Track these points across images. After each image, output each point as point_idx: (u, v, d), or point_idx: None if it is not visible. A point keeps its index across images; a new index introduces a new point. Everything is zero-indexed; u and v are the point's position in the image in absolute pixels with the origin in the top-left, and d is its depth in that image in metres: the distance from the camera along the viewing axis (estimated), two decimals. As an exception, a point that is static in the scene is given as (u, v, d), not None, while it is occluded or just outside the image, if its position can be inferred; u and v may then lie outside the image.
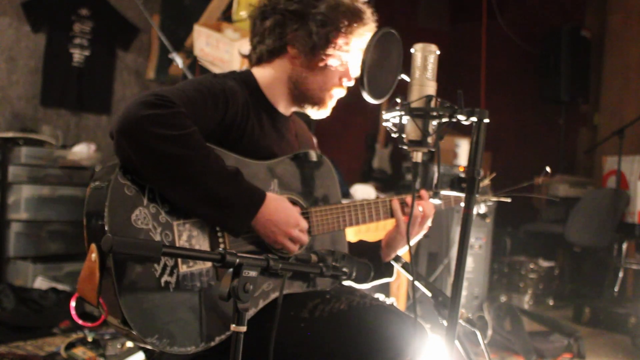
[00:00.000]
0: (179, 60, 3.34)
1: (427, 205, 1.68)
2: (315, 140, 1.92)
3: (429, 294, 1.64)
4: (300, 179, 1.60)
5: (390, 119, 1.32)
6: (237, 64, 3.30)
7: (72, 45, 4.47)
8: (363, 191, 3.99)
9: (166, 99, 1.33)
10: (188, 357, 1.44)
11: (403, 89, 1.33)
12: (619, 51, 5.58)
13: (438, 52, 1.30)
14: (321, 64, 1.58)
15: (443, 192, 1.63)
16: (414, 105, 1.28)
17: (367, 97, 1.34)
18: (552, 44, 5.77)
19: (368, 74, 1.31)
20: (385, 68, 1.36)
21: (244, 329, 1.13)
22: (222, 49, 3.37)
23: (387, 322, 1.38)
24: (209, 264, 1.38)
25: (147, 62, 4.94)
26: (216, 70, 3.40)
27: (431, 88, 1.29)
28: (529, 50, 6.12)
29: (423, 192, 1.71)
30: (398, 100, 1.31)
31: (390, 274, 1.73)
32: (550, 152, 5.93)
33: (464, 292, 3.91)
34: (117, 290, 1.24)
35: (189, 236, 1.38)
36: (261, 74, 1.65)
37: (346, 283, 1.67)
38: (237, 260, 1.12)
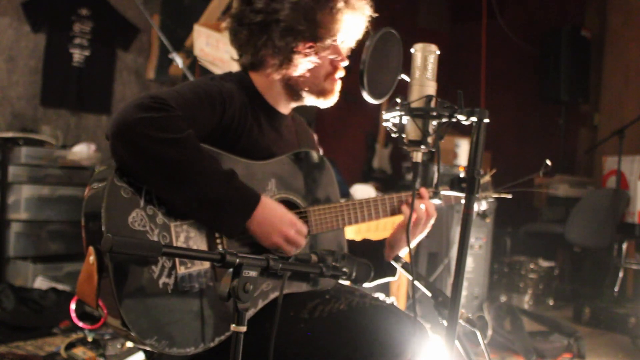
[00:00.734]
0: (179, 60, 3.34)
1: (430, 204, 1.67)
2: (316, 138, 1.91)
3: (429, 294, 1.64)
4: (298, 179, 1.60)
5: (390, 119, 1.32)
6: (236, 64, 3.30)
7: (72, 45, 4.47)
8: (363, 191, 3.99)
9: (162, 101, 1.33)
10: (187, 358, 1.44)
11: (403, 89, 1.33)
12: (619, 51, 5.58)
13: (438, 52, 1.30)
14: (303, 64, 1.56)
15: (443, 192, 1.63)
16: (414, 105, 1.28)
17: (367, 97, 1.34)
18: (552, 44, 5.77)
19: (368, 74, 1.31)
20: (385, 68, 1.36)
21: (244, 329, 1.13)
22: (222, 49, 3.37)
23: (387, 322, 1.38)
24: (207, 265, 1.38)
25: (147, 62, 4.94)
26: (216, 70, 3.40)
27: (431, 88, 1.29)
28: (529, 50, 6.12)
29: (423, 191, 1.70)
30: (398, 100, 1.30)
31: (393, 273, 1.73)
32: (550, 152, 5.92)
33: (464, 292, 3.91)
34: (116, 292, 1.24)
35: (187, 237, 1.38)
36: (255, 77, 1.64)
37: (346, 283, 1.67)
38: (237, 260, 1.12)
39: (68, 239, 3.85)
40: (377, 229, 3.00)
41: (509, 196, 1.85)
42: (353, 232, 2.79)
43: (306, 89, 1.61)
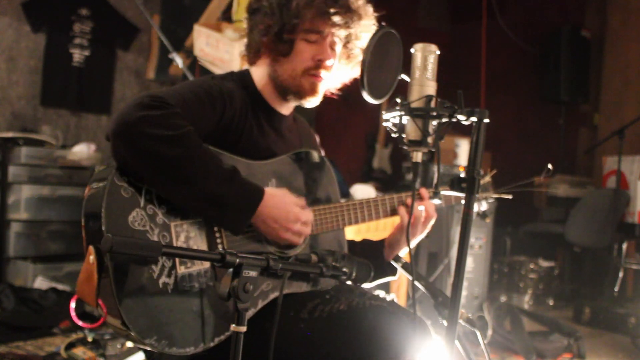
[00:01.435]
0: (179, 60, 3.34)
1: (430, 205, 1.67)
2: (318, 138, 1.91)
3: (429, 294, 1.64)
4: (298, 178, 1.60)
5: (390, 119, 1.32)
6: (237, 64, 3.30)
7: (72, 45, 4.47)
8: (363, 191, 3.99)
9: (161, 100, 1.33)
10: (187, 358, 1.44)
11: (403, 89, 1.33)
12: (619, 51, 5.58)
13: (438, 52, 1.30)
14: (282, 53, 1.56)
15: (443, 192, 1.63)
16: (414, 105, 1.28)
17: (367, 97, 1.34)
18: (552, 44, 5.77)
19: (368, 74, 1.31)
20: (385, 68, 1.36)
21: (244, 329, 1.13)
22: (222, 49, 3.37)
23: (387, 322, 1.38)
24: (207, 265, 1.38)
25: (147, 62, 4.94)
26: (216, 70, 3.40)
27: (431, 88, 1.29)
28: (529, 50, 6.12)
29: (423, 192, 1.70)
30: (398, 100, 1.30)
31: (393, 273, 1.73)
32: (550, 152, 5.93)
33: (464, 292, 3.91)
34: (116, 292, 1.24)
35: (187, 237, 1.38)
36: (256, 74, 1.65)
37: (346, 283, 1.67)
38: (237, 260, 1.12)
39: (68, 239, 3.86)
40: (377, 229, 3.00)
41: (509, 197, 1.85)
42: (353, 232, 2.78)
43: (285, 84, 1.59)
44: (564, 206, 5.32)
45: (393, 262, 1.73)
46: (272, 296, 1.47)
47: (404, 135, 1.31)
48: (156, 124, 1.29)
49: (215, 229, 1.43)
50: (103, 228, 1.26)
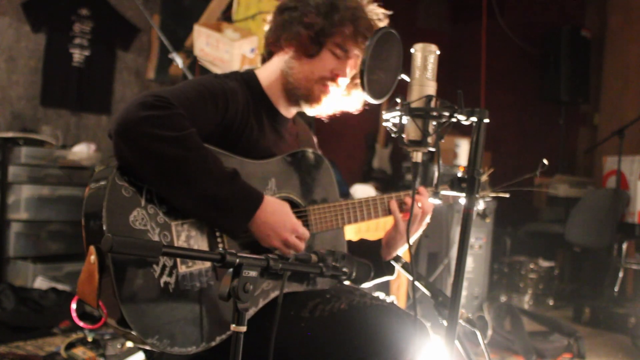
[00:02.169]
0: (179, 60, 3.34)
1: (425, 202, 1.68)
2: (316, 141, 1.92)
3: (429, 294, 1.64)
4: (297, 178, 1.60)
5: (390, 119, 1.32)
6: (237, 64, 3.30)
7: (72, 45, 4.47)
8: (363, 191, 4.00)
9: (164, 100, 1.33)
10: (188, 357, 1.44)
11: (403, 89, 1.33)
12: (619, 51, 5.59)
13: (438, 52, 1.30)
14: (309, 53, 1.59)
15: (443, 192, 1.63)
16: (414, 105, 1.28)
17: (367, 97, 1.34)
18: (552, 44, 5.77)
19: (368, 74, 1.31)
20: (385, 68, 1.36)
21: (244, 329, 1.13)
22: (222, 49, 3.37)
23: (388, 322, 1.38)
24: (208, 264, 1.38)
25: (147, 62, 4.94)
26: (216, 70, 3.40)
27: (431, 88, 1.29)
28: (529, 50, 6.12)
29: (421, 189, 1.70)
30: (398, 100, 1.30)
31: (391, 272, 1.73)
32: (550, 152, 5.93)
33: (464, 292, 3.91)
34: (117, 291, 1.24)
35: (187, 237, 1.38)
36: (263, 74, 1.65)
37: (346, 283, 1.67)
38: (237, 260, 1.12)
39: (68, 239, 3.85)
40: (377, 229, 3.00)
41: (507, 195, 1.85)
42: (353, 232, 2.79)
43: (297, 84, 1.61)
44: (564, 206, 5.32)
45: (393, 262, 1.73)
46: (273, 295, 1.47)
47: (404, 135, 1.31)
48: (159, 125, 1.29)
49: (215, 229, 1.43)
50: (104, 227, 1.25)
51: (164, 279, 1.31)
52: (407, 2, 6.62)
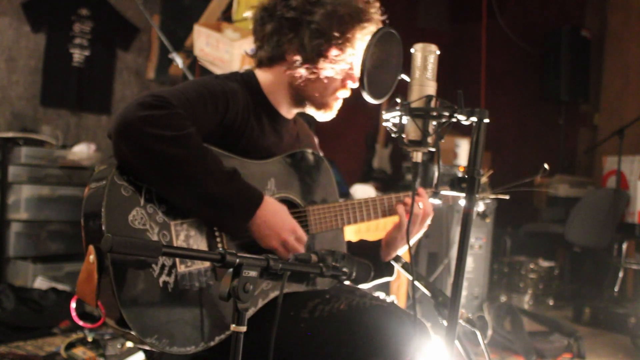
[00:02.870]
0: (179, 60, 3.34)
1: (427, 203, 1.68)
2: (317, 141, 1.91)
3: (429, 294, 1.64)
4: (297, 178, 1.60)
5: (390, 119, 1.32)
6: (237, 64, 3.30)
7: (72, 45, 4.47)
8: (363, 191, 4.00)
9: (164, 100, 1.33)
10: (188, 357, 1.44)
11: (403, 89, 1.33)
12: (619, 51, 5.59)
13: (438, 52, 1.30)
14: (319, 72, 1.56)
15: (443, 192, 1.63)
16: (414, 105, 1.28)
17: (367, 97, 1.34)
18: (552, 44, 5.77)
19: (368, 74, 1.31)
20: (385, 68, 1.36)
21: (244, 329, 1.13)
22: (222, 49, 3.37)
23: (387, 322, 1.38)
24: (207, 264, 1.38)
25: (147, 62, 4.94)
26: (216, 70, 3.40)
27: (431, 88, 1.29)
28: (529, 50, 6.12)
29: (421, 190, 1.70)
30: (398, 100, 1.30)
31: (390, 273, 1.73)
32: (550, 152, 5.93)
33: (464, 292, 3.91)
34: (116, 291, 1.24)
35: (187, 236, 1.38)
36: (263, 76, 1.64)
37: (346, 283, 1.67)
38: (237, 260, 1.12)
39: (68, 239, 3.85)
40: (377, 229, 3.00)
41: (507, 197, 1.85)
42: (353, 233, 2.78)
43: (311, 98, 1.60)
44: (564, 206, 5.32)
45: (393, 262, 1.73)
46: (273, 295, 1.47)
47: (404, 135, 1.31)
48: (158, 124, 1.29)
49: (215, 228, 1.43)
50: (103, 227, 1.25)
51: (163, 278, 1.31)
52: (407, 2, 6.62)
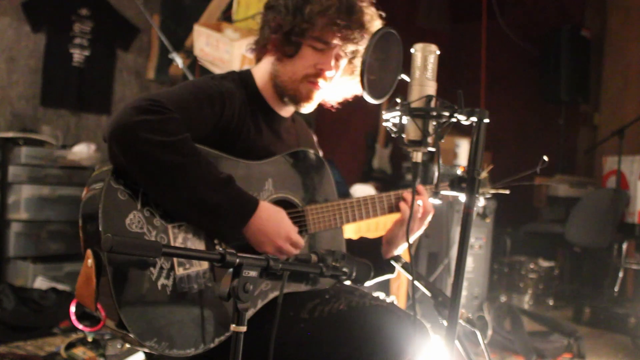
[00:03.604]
0: (179, 60, 3.34)
1: (426, 200, 1.68)
2: (316, 140, 1.91)
3: (429, 294, 1.64)
4: (295, 178, 1.60)
5: (390, 119, 1.32)
6: (237, 64, 3.30)
7: (72, 45, 4.47)
8: (363, 191, 3.99)
9: (159, 104, 1.33)
10: (188, 359, 1.44)
11: (403, 89, 1.33)
12: (619, 51, 5.59)
13: (438, 52, 1.30)
14: (288, 54, 1.58)
15: (443, 192, 1.63)
16: (414, 105, 1.28)
17: (367, 97, 1.34)
18: (552, 44, 5.77)
19: (368, 74, 1.31)
20: (385, 68, 1.36)
21: (244, 329, 1.13)
22: (222, 49, 3.37)
23: (387, 322, 1.38)
24: (205, 266, 1.38)
25: (147, 62, 4.94)
26: (216, 70, 3.40)
27: (431, 88, 1.29)
28: (529, 50, 6.12)
29: (421, 188, 1.70)
30: (398, 100, 1.30)
31: (391, 271, 1.73)
32: (550, 152, 5.90)
33: (464, 292, 3.90)
34: (114, 294, 1.23)
35: (184, 239, 1.37)
36: (258, 74, 1.65)
37: (346, 283, 1.67)
38: (237, 260, 1.12)
39: (68, 239, 3.85)
40: (377, 228, 3.00)
41: (507, 192, 1.84)
42: (352, 231, 2.78)
43: (283, 85, 1.60)
44: (564, 206, 5.32)
45: (393, 262, 1.72)
46: (272, 296, 1.47)
47: (404, 135, 1.31)
48: (153, 129, 1.29)
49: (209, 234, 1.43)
50: (100, 230, 1.25)
51: (162, 281, 1.31)
52: (407, 2, 6.61)
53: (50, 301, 3.27)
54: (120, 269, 1.25)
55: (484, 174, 1.84)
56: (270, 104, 1.64)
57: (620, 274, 4.51)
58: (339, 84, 1.68)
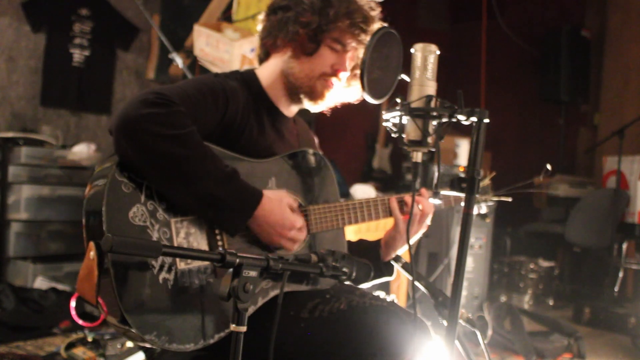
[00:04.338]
0: (179, 60, 3.34)
1: (426, 203, 1.68)
2: (317, 141, 1.92)
3: (429, 294, 1.64)
4: (297, 178, 1.61)
5: (390, 119, 1.32)
6: (237, 64, 3.30)
7: (72, 45, 4.47)
8: (363, 191, 4.00)
9: (166, 97, 1.34)
10: (188, 357, 1.44)
11: (403, 89, 1.33)
12: (619, 51, 5.59)
13: (438, 52, 1.30)
14: (307, 51, 1.60)
15: (443, 192, 1.63)
16: (414, 105, 1.28)
17: (367, 97, 1.34)
18: (552, 44, 5.77)
19: (368, 74, 1.31)
20: (385, 68, 1.36)
21: (244, 328, 1.13)
22: (222, 49, 3.37)
23: (387, 322, 1.38)
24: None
25: (147, 62, 4.94)
26: (216, 70, 3.40)
27: (431, 88, 1.29)
28: (529, 50, 6.12)
29: (422, 190, 1.71)
30: (398, 100, 1.30)
31: (390, 273, 1.73)
32: (550, 152, 5.93)
33: (464, 292, 3.90)
34: (116, 288, 1.24)
35: (187, 233, 1.38)
36: (263, 74, 1.66)
37: (346, 283, 1.67)
38: (237, 260, 1.12)
39: (68, 239, 3.85)
40: (377, 229, 3.00)
41: (509, 199, 1.85)
42: (353, 233, 2.79)
43: (299, 81, 1.62)
44: (564, 206, 5.32)
45: (393, 262, 1.73)
46: (273, 294, 1.47)
47: (404, 135, 1.31)
48: (159, 122, 1.30)
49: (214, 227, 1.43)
50: (103, 223, 1.25)
51: (163, 275, 1.31)
52: (407, 2, 6.62)
53: (50, 301, 3.27)
54: (122, 262, 1.25)
55: (486, 181, 1.85)
56: (275, 103, 1.65)
57: (620, 274, 4.51)
58: (340, 88, 1.69)
